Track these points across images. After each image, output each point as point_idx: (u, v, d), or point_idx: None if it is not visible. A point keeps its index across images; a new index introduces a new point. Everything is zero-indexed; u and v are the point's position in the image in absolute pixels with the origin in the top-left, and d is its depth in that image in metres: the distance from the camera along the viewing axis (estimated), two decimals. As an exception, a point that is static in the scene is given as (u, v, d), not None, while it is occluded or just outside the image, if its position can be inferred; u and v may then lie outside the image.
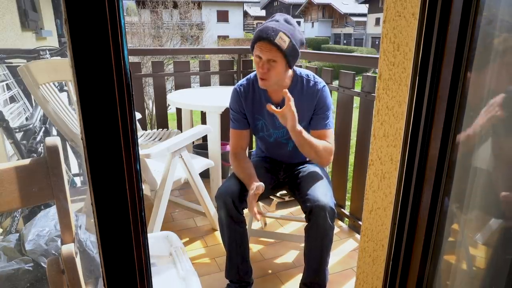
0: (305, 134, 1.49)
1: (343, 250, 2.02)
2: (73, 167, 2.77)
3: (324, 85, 1.62)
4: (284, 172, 1.77)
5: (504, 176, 0.82)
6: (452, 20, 0.75)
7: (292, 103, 1.41)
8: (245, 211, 1.56)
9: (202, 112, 3.04)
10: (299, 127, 1.46)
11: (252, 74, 1.68)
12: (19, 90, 2.52)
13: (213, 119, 2.30)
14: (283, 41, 1.44)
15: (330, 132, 1.63)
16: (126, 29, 0.43)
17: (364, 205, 1.06)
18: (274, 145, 1.73)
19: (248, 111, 1.67)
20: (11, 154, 2.00)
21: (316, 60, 3.68)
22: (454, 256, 0.94)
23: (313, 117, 1.62)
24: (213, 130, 2.22)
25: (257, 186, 1.46)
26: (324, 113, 1.61)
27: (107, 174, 0.45)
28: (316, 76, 1.63)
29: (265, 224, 2.28)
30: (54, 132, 2.52)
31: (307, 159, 1.77)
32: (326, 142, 1.58)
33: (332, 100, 1.65)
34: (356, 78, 2.28)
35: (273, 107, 1.41)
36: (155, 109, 3.10)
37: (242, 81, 1.69)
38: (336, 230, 2.20)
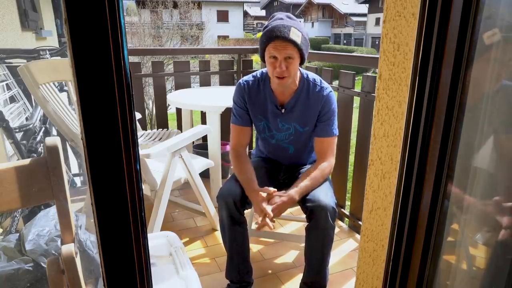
0: (304, 187, 1.50)
1: (343, 250, 2.02)
2: (73, 167, 2.77)
3: (331, 91, 1.59)
4: (284, 173, 1.77)
5: (504, 176, 0.82)
6: (452, 20, 0.75)
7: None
8: (246, 211, 1.56)
9: (202, 112, 3.04)
10: (295, 196, 1.48)
11: (258, 73, 1.65)
12: (19, 90, 2.52)
13: (213, 119, 2.30)
14: (297, 35, 1.44)
15: (333, 140, 1.62)
16: (126, 29, 0.43)
17: (364, 205, 1.06)
18: (275, 147, 1.71)
19: (250, 109, 1.65)
20: (11, 154, 1.99)
21: (316, 60, 3.68)
22: (454, 256, 0.94)
23: (317, 123, 1.61)
24: (213, 130, 2.22)
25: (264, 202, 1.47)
26: (328, 119, 1.59)
27: (107, 174, 0.45)
28: (323, 81, 1.61)
29: (265, 224, 2.28)
30: (54, 132, 2.52)
31: (308, 161, 1.77)
32: (321, 167, 1.56)
33: (336, 105, 1.63)
34: (356, 78, 2.28)
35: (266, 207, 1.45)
36: (155, 109, 3.10)
37: (248, 77, 1.66)
38: (336, 230, 2.19)
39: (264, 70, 1.65)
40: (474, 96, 0.78)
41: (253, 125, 1.72)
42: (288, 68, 1.46)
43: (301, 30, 1.47)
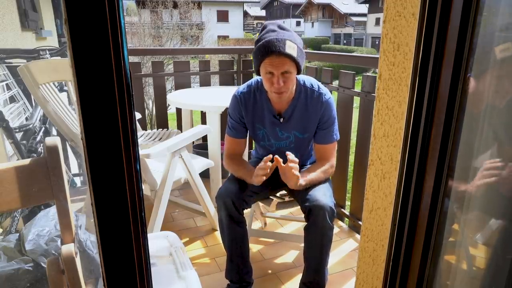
0: (309, 179, 1.50)
1: (343, 250, 2.02)
2: (73, 167, 2.77)
3: (330, 97, 1.57)
4: (284, 174, 1.76)
5: (504, 176, 0.82)
6: (452, 20, 0.75)
7: (293, 165, 1.42)
8: (245, 211, 1.56)
9: (202, 112, 3.04)
10: (301, 182, 1.46)
11: (253, 81, 1.63)
12: (19, 90, 2.52)
13: (213, 119, 2.30)
14: (292, 48, 1.39)
15: (333, 146, 1.62)
16: (126, 29, 0.43)
17: (364, 205, 1.06)
18: (276, 153, 1.71)
19: (248, 120, 1.63)
20: (11, 154, 1.99)
21: (316, 60, 3.68)
22: (454, 256, 0.94)
23: (317, 131, 1.59)
24: (213, 130, 2.22)
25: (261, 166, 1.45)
26: (328, 127, 1.57)
27: (107, 174, 0.45)
28: (321, 86, 1.58)
29: (265, 224, 2.28)
30: (54, 132, 2.52)
31: (307, 163, 1.76)
32: (326, 166, 1.57)
33: (336, 111, 1.62)
34: (356, 78, 2.28)
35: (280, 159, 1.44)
36: (155, 109, 3.10)
37: (243, 87, 1.63)
38: (336, 230, 2.20)
39: (259, 78, 1.63)
40: (475, 98, 0.78)
41: (248, 134, 1.71)
42: (286, 83, 1.43)
43: (296, 41, 1.42)
